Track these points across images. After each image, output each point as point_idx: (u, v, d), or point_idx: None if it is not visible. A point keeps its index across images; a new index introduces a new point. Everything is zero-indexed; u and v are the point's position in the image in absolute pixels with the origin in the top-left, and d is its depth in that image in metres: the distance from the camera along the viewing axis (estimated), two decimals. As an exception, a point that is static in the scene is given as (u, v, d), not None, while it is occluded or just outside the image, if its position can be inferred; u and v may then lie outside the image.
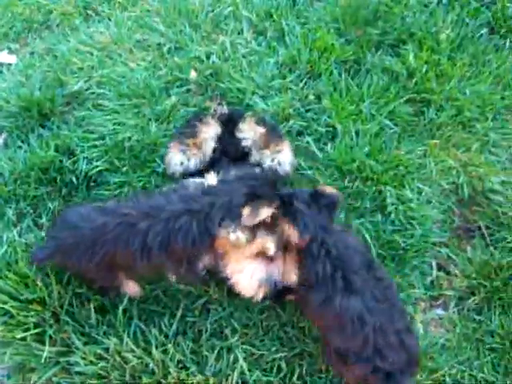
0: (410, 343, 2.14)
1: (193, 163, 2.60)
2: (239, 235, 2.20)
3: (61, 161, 2.92)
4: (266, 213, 2.22)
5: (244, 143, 2.65)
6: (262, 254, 2.30)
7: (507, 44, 3.34)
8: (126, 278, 2.51)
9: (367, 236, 2.69)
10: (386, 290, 2.18)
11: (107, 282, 2.49)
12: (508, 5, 3.43)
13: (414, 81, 3.13)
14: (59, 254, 2.35)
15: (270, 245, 2.27)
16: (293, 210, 2.27)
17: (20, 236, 2.73)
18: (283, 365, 2.43)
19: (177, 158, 2.61)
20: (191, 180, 2.51)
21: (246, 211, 2.19)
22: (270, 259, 2.31)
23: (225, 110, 2.85)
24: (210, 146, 2.63)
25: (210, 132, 2.65)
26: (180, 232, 2.18)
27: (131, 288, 2.57)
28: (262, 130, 2.64)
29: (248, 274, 2.30)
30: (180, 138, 2.65)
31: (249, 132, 2.65)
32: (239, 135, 2.67)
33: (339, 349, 2.18)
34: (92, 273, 2.39)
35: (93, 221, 2.28)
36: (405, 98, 3.08)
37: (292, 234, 2.25)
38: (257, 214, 2.19)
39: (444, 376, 2.44)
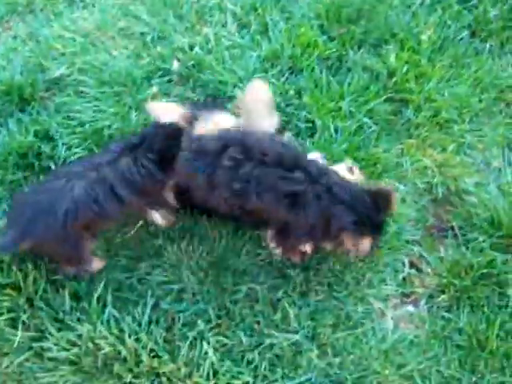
0: None
1: None
2: None
3: (39, 146, 2.91)
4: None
5: None
6: None
7: (487, 48, 3.39)
8: (91, 243, 2.57)
9: (342, 232, 2.73)
10: None
11: (73, 251, 2.52)
12: (490, 9, 3.48)
13: (393, 80, 3.17)
14: (23, 235, 2.36)
15: None
16: None
17: (-4, 220, 2.72)
18: (253, 356, 2.46)
19: None
20: None
21: None
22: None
23: None
24: None
25: None
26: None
27: (95, 263, 2.62)
28: None
29: None
30: None
31: None
32: None
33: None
34: (58, 244, 2.44)
35: (46, 189, 2.41)
36: (384, 97, 3.12)
37: None
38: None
39: (412, 371, 2.47)
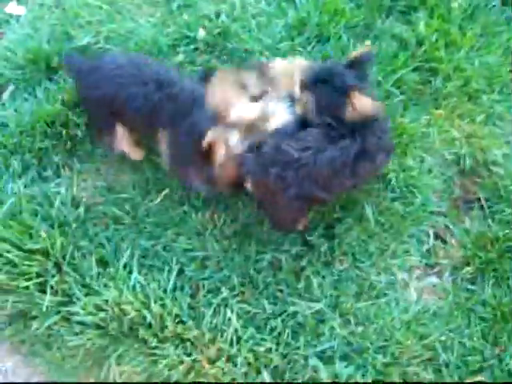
0: None
1: None
2: None
3: (67, 114, 2.93)
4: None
5: None
6: None
7: (519, 16, 3.31)
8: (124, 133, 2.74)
9: (367, 202, 2.72)
10: None
11: (105, 130, 2.78)
12: (523, -25, 3.38)
13: (422, 49, 3.11)
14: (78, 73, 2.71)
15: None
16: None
17: (25, 187, 2.77)
18: (276, 323, 2.49)
19: None
20: None
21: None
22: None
23: None
24: None
25: None
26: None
27: (133, 152, 2.83)
28: None
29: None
30: None
31: None
32: None
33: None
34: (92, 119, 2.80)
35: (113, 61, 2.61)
36: (412, 67, 3.07)
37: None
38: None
39: (434, 342, 2.48)
